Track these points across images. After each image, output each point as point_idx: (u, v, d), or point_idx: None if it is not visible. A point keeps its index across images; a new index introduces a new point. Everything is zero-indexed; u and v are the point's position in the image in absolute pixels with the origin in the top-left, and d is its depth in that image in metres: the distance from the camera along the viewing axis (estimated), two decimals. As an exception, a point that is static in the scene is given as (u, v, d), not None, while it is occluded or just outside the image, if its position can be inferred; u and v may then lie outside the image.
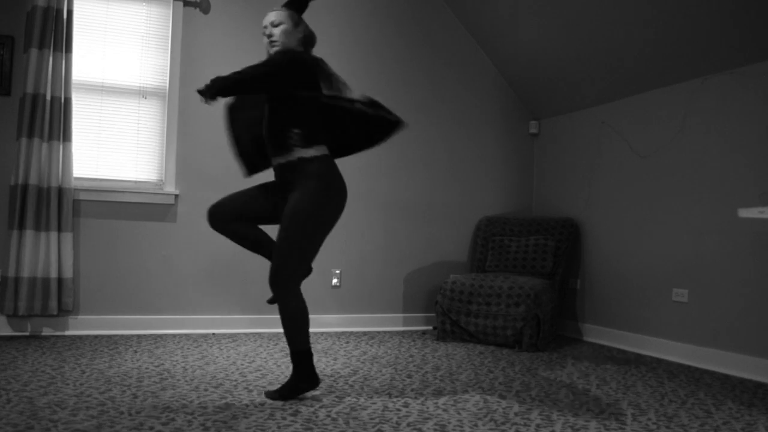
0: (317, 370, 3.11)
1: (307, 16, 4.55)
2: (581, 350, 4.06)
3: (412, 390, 2.78)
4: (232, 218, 2.59)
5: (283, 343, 3.84)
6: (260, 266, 4.39)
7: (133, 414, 2.23)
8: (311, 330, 4.47)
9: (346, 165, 4.65)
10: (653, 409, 2.60)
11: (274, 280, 2.47)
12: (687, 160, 3.84)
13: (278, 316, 4.54)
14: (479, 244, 4.89)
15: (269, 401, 2.49)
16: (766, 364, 3.28)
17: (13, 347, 3.40)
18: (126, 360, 3.17)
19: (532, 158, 5.32)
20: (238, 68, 2.53)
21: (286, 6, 2.67)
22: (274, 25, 2.60)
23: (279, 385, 2.71)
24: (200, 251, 4.25)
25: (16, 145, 3.77)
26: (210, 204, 2.65)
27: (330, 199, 2.53)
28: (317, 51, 4.60)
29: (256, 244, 2.64)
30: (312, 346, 3.81)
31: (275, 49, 2.58)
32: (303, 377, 2.54)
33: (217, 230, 2.61)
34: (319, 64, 2.61)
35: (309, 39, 2.72)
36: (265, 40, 2.61)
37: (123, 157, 4.15)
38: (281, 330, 4.35)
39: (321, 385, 2.81)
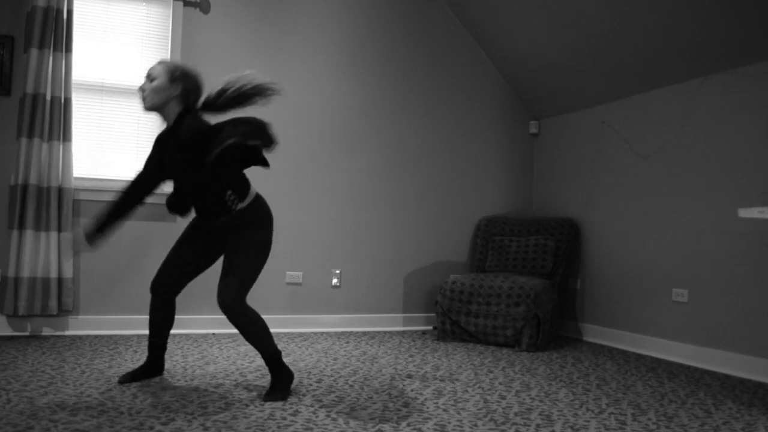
0: (317, 370, 3.12)
1: (306, 18, 4.57)
2: (581, 350, 4.06)
3: (412, 390, 2.78)
4: (175, 286, 2.70)
5: (284, 344, 3.84)
6: (260, 266, 4.39)
7: (133, 414, 2.23)
8: (314, 330, 4.48)
9: (346, 165, 4.67)
10: (653, 409, 2.60)
11: (232, 308, 2.46)
12: (687, 160, 3.84)
13: (280, 316, 4.55)
14: (479, 244, 4.89)
15: (269, 401, 2.49)
16: (766, 364, 3.28)
17: (13, 347, 3.40)
18: (126, 360, 3.17)
19: (532, 158, 5.32)
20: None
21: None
22: (150, 78, 2.51)
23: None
24: (200, 251, 4.24)
25: (16, 145, 3.77)
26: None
27: (270, 231, 2.62)
28: (321, 52, 4.62)
29: (163, 326, 2.78)
30: (312, 346, 3.82)
31: (143, 104, 2.52)
32: (282, 374, 2.59)
33: (155, 304, 2.73)
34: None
35: (190, 92, 2.55)
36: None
37: (123, 157, 4.15)
38: (282, 330, 4.35)
39: (321, 385, 2.81)
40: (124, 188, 2.64)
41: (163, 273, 2.68)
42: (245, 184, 2.56)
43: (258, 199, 2.60)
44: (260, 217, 2.57)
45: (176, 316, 4.16)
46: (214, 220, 2.57)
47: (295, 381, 2.85)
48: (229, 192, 2.48)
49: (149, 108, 2.51)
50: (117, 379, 2.75)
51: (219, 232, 2.63)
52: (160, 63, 2.55)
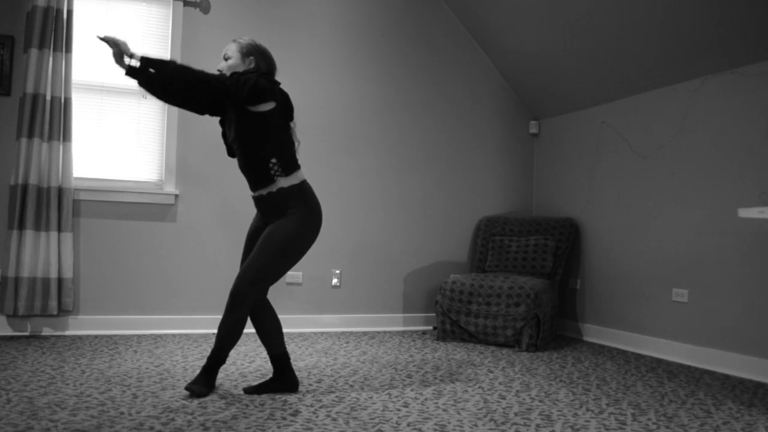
0: (317, 370, 3.12)
1: (306, 17, 4.57)
2: (581, 350, 4.06)
3: (412, 390, 2.78)
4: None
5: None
6: (260, 266, 4.39)
7: (133, 414, 2.23)
8: (311, 330, 4.48)
9: (346, 164, 4.67)
10: (653, 409, 2.60)
11: (233, 301, 2.49)
12: (687, 160, 3.84)
13: (280, 316, 4.55)
14: (479, 244, 4.89)
15: (269, 401, 2.49)
16: (766, 364, 3.28)
17: (13, 347, 3.40)
18: (126, 360, 3.17)
19: (532, 158, 5.32)
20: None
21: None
22: (225, 58, 2.62)
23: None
24: (200, 251, 4.25)
25: (16, 145, 3.77)
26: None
27: (311, 227, 2.58)
28: (321, 52, 4.62)
29: (269, 333, 2.69)
30: (312, 346, 3.82)
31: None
32: (208, 379, 2.57)
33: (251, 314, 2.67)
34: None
35: (262, 66, 2.64)
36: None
37: (123, 157, 4.15)
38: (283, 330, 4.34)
39: (321, 385, 2.81)
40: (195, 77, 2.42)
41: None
42: (292, 160, 2.58)
43: (305, 186, 2.59)
44: (301, 205, 2.54)
45: (176, 316, 4.16)
46: (260, 194, 2.57)
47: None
48: (274, 160, 2.52)
49: None
50: (243, 388, 2.65)
51: (266, 215, 2.61)
52: (234, 42, 2.63)
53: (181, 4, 4.23)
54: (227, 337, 2.55)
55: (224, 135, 2.72)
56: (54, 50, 3.81)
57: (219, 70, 2.60)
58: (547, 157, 5.16)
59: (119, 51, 2.33)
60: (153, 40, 4.22)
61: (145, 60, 2.35)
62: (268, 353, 2.66)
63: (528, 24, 4.52)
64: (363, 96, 4.75)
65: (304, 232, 2.55)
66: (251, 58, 2.61)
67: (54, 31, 3.81)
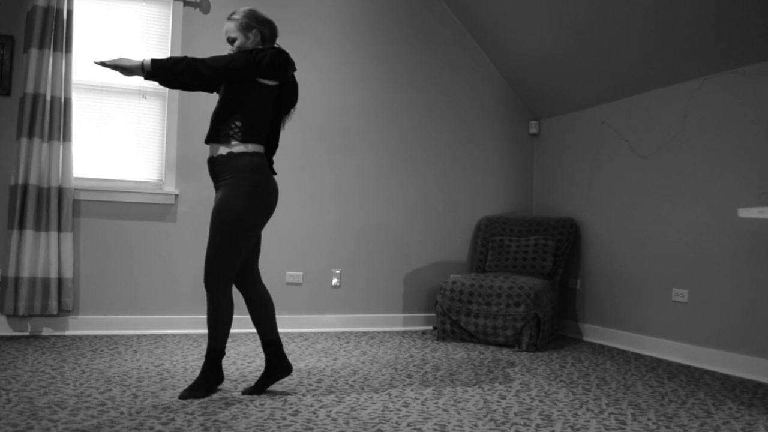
0: (317, 370, 3.11)
1: (306, 18, 4.57)
2: (581, 350, 4.06)
3: (412, 390, 2.78)
4: (246, 274, 2.65)
5: (284, 343, 3.84)
6: (260, 266, 4.39)
7: (133, 414, 2.23)
8: (314, 330, 4.47)
9: (346, 164, 4.67)
10: (653, 409, 2.60)
11: (206, 281, 2.50)
12: (687, 160, 3.84)
13: (280, 316, 4.53)
14: (479, 244, 4.89)
15: (269, 401, 2.49)
16: (766, 364, 3.28)
17: (13, 347, 3.40)
18: (126, 360, 3.17)
19: (532, 158, 5.32)
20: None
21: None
22: (230, 41, 2.63)
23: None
24: (200, 251, 4.25)
25: (16, 145, 3.77)
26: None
27: (256, 198, 2.50)
28: (320, 52, 4.62)
29: (261, 319, 2.67)
30: (312, 346, 3.81)
31: None
32: (209, 375, 2.57)
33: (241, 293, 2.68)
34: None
35: (266, 34, 2.70)
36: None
37: (123, 157, 4.15)
38: (282, 330, 4.35)
39: (321, 385, 2.81)
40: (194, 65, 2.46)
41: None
42: (257, 135, 2.53)
43: (256, 158, 2.51)
44: (248, 177, 2.46)
45: (176, 316, 4.16)
46: (211, 155, 2.55)
47: (295, 381, 2.85)
48: (239, 124, 2.50)
49: None
50: (241, 390, 2.63)
51: (214, 179, 2.57)
52: (229, 20, 2.62)
53: (181, 4, 4.23)
54: (213, 327, 2.54)
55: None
56: (54, 50, 3.81)
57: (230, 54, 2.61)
58: (547, 157, 5.16)
59: (123, 68, 2.39)
60: (153, 40, 4.22)
61: (156, 64, 2.40)
62: (261, 339, 2.65)
63: (528, 24, 4.52)
64: (363, 96, 4.74)
65: (250, 206, 2.48)
66: (254, 30, 2.63)
67: (54, 31, 3.81)
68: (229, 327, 2.58)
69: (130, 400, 2.41)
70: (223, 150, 2.51)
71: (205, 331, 4.19)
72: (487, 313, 4.08)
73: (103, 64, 2.38)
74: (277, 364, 2.64)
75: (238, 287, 2.66)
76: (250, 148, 2.51)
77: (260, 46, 2.64)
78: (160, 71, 2.42)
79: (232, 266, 2.50)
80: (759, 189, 3.39)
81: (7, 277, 3.71)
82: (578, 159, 4.79)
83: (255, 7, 2.73)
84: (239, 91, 2.53)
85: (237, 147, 2.49)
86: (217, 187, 2.57)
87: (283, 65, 2.55)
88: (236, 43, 2.61)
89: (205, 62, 2.46)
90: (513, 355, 3.76)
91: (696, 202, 3.76)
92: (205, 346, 3.66)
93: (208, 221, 4.26)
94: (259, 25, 2.65)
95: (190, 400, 2.45)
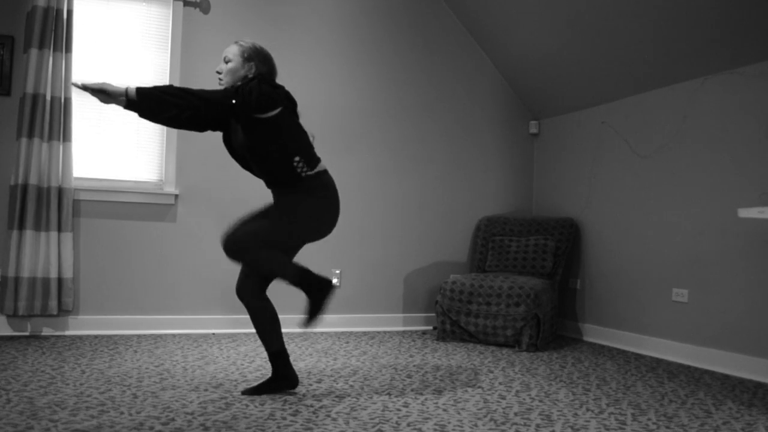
0: (317, 370, 3.11)
1: (306, 17, 4.57)
2: (581, 350, 4.06)
3: (412, 390, 2.78)
4: (260, 287, 2.64)
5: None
6: (260, 266, 4.39)
7: (133, 414, 2.23)
8: (311, 330, 4.47)
9: (346, 164, 4.66)
10: (653, 409, 2.60)
11: (229, 247, 2.46)
12: (687, 160, 3.84)
13: (279, 316, 4.55)
14: (479, 244, 4.89)
15: (269, 401, 2.49)
16: (766, 364, 3.28)
17: (13, 347, 3.40)
18: (126, 360, 3.17)
19: (532, 158, 5.32)
20: None
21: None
22: (225, 61, 2.58)
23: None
24: (200, 251, 4.25)
25: (16, 145, 3.77)
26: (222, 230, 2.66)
27: (323, 204, 2.56)
28: (320, 52, 4.62)
29: (267, 332, 2.64)
30: (312, 346, 3.81)
31: (221, 86, 2.56)
32: (281, 376, 2.61)
33: (245, 305, 2.65)
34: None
35: (263, 71, 2.62)
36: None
37: (123, 157, 4.15)
38: (282, 330, 4.34)
39: (321, 385, 2.81)
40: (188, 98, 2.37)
41: (245, 277, 2.62)
42: (313, 154, 2.57)
43: (326, 176, 2.59)
44: (321, 185, 2.54)
45: (176, 316, 4.17)
46: (286, 192, 2.55)
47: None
48: (297, 158, 2.50)
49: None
50: (241, 390, 2.63)
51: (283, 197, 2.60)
52: (235, 44, 2.60)
53: (181, 4, 4.23)
54: (259, 326, 2.58)
55: (230, 148, 2.67)
56: (54, 50, 3.81)
57: (218, 72, 2.58)
58: (547, 157, 5.16)
59: (106, 93, 2.30)
60: (153, 40, 4.22)
61: (141, 91, 2.32)
62: (267, 351, 2.65)
63: (528, 24, 4.52)
64: (363, 96, 4.74)
65: (320, 214, 2.55)
66: (252, 63, 2.58)
67: (54, 31, 3.81)
68: (274, 322, 2.61)
69: (130, 400, 2.41)
70: (295, 185, 2.54)
71: (205, 331, 4.19)
72: (487, 313, 4.08)
73: (85, 87, 2.29)
74: (283, 377, 2.63)
75: (247, 298, 2.63)
76: (318, 168, 2.57)
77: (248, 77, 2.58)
78: (144, 100, 2.31)
79: (266, 251, 2.53)
80: (759, 189, 3.39)
81: (7, 277, 3.72)
82: (578, 159, 4.79)
83: (263, 46, 2.68)
84: (267, 136, 2.48)
85: (307, 175, 2.54)
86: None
87: (272, 90, 2.47)
88: (230, 65, 2.55)
89: (197, 93, 2.35)
90: (513, 355, 3.76)
91: (696, 202, 3.76)
92: (205, 346, 3.66)
93: (208, 221, 4.26)
94: (259, 63, 2.60)
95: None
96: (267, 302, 2.63)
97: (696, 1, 3.40)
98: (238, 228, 2.51)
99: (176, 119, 2.44)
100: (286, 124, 2.52)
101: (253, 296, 2.60)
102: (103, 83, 2.32)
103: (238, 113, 2.41)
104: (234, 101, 2.37)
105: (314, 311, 2.54)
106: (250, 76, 2.57)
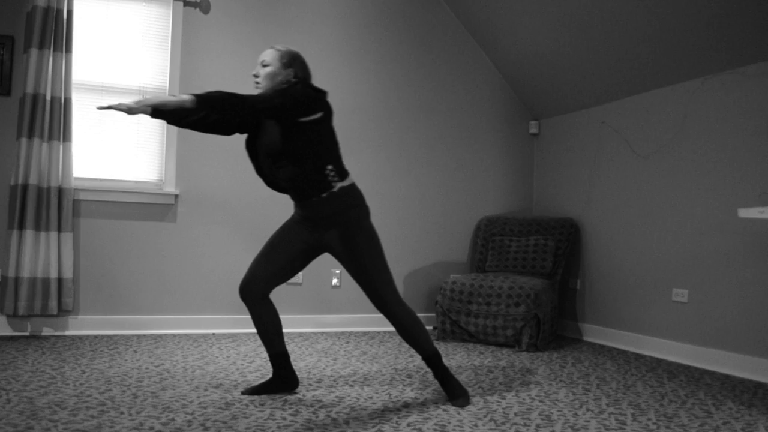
0: (317, 370, 3.11)
1: (305, 17, 4.57)
2: (581, 350, 4.06)
3: (412, 390, 2.78)
4: (265, 291, 2.58)
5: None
6: (260, 266, 4.39)
7: (133, 414, 2.23)
8: (314, 330, 4.47)
9: (346, 165, 4.66)
10: (653, 409, 2.60)
11: (392, 312, 2.51)
12: (687, 160, 3.84)
13: (280, 316, 4.55)
14: (479, 244, 4.89)
15: (269, 401, 2.49)
16: (766, 364, 3.28)
17: (13, 347, 3.40)
18: (126, 360, 3.17)
19: (532, 158, 5.32)
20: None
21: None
22: (263, 65, 2.55)
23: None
24: (200, 251, 4.25)
25: (16, 145, 3.77)
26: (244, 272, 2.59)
27: (369, 220, 2.57)
28: (320, 52, 4.62)
29: (268, 333, 2.63)
30: (312, 346, 3.81)
31: (258, 90, 2.54)
32: (449, 378, 2.62)
33: (251, 311, 2.61)
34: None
35: (300, 76, 2.59)
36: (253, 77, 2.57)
37: (123, 157, 4.15)
38: (283, 330, 4.34)
39: (321, 385, 2.81)
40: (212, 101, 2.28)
41: (252, 279, 2.56)
42: (342, 164, 2.54)
43: (357, 188, 2.57)
44: (359, 201, 2.52)
45: (176, 316, 4.17)
46: (314, 202, 2.49)
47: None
48: (330, 167, 2.47)
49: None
50: (241, 390, 2.62)
51: (317, 219, 2.52)
52: (272, 48, 2.58)
53: (181, 4, 4.23)
54: (415, 338, 2.56)
55: (253, 152, 2.62)
56: (54, 50, 3.81)
57: (255, 75, 2.54)
58: (547, 157, 5.16)
59: (129, 109, 2.28)
60: (153, 40, 4.22)
61: (201, 98, 2.23)
62: (268, 352, 2.65)
63: (528, 24, 4.52)
64: (363, 96, 4.75)
65: (373, 229, 2.56)
66: (291, 69, 2.55)
67: (54, 31, 3.81)
68: (425, 330, 2.59)
69: (130, 400, 2.41)
70: (324, 194, 2.48)
71: (205, 331, 4.19)
72: (487, 313, 4.08)
73: (109, 108, 2.29)
74: (284, 378, 2.62)
75: (251, 299, 2.57)
76: (347, 181, 2.53)
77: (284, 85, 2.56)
78: (203, 105, 2.22)
79: (393, 284, 2.56)
80: (759, 189, 3.39)
81: (7, 277, 3.72)
82: (578, 159, 4.79)
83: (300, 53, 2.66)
84: (307, 141, 2.44)
85: (341, 185, 2.49)
86: (324, 225, 2.52)
87: (316, 95, 2.46)
88: (269, 69, 2.52)
89: (243, 97, 2.29)
90: (513, 355, 3.76)
91: (696, 202, 3.76)
92: (205, 346, 3.66)
93: (208, 221, 4.27)
94: (298, 68, 2.57)
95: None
96: (270, 305, 2.61)
97: (696, 1, 3.40)
98: (373, 293, 2.50)
99: (202, 123, 2.49)
100: (324, 131, 2.47)
101: (256, 298, 2.57)
102: (127, 103, 2.28)
103: (285, 115, 2.37)
104: (283, 102, 2.34)
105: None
106: (292, 80, 2.55)
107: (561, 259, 4.54)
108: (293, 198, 2.56)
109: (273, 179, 2.58)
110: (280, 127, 2.45)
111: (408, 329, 2.53)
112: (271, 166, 2.55)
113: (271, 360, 2.63)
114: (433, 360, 2.58)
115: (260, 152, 2.58)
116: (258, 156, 2.60)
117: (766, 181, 3.36)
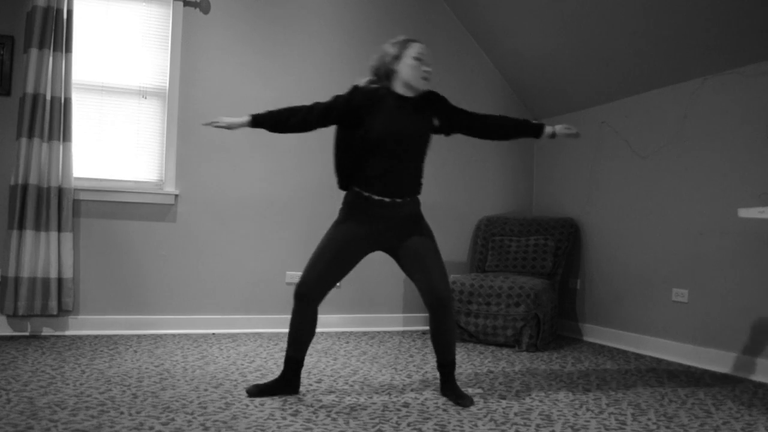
0: (317, 370, 3.11)
1: (306, 17, 4.57)
2: (581, 350, 4.06)
3: (412, 390, 2.78)
4: (322, 298, 2.62)
5: (284, 343, 3.83)
6: (260, 266, 4.39)
7: (133, 414, 2.23)
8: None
9: (346, 165, 4.65)
10: (653, 409, 2.60)
11: (451, 303, 2.63)
12: (687, 160, 3.84)
13: (280, 316, 4.53)
14: (479, 244, 4.89)
15: (269, 401, 2.49)
16: (766, 364, 3.28)
17: (13, 347, 3.40)
18: (126, 360, 3.17)
19: (532, 158, 5.32)
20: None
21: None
22: (426, 63, 2.77)
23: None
24: (200, 251, 4.25)
25: (16, 145, 3.77)
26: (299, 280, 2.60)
27: None
28: (320, 51, 4.62)
29: (302, 338, 2.66)
30: (312, 346, 3.81)
31: (428, 85, 2.79)
32: (453, 385, 2.70)
33: (304, 313, 2.61)
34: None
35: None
36: (423, 69, 2.71)
37: (123, 157, 4.15)
38: (282, 330, 4.35)
39: (321, 385, 2.81)
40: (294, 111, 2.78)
41: (318, 282, 2.56)
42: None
43: None
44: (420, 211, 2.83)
45: (176, 316, 4.17)
46: (407, 201, 2.73)
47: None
48: (421, 176, 2.79)
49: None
50: (245, 389, 2.62)
51: (395, 219, 2.69)
52: (423, 44, 2.76)
53: (181, 4, 4.23)
54: (454, 340, 2.69)
55: (344, 146, 2.77)
56: (54, 50, 3.81)
57: (430, 71, 2.73)
58: (547, 157, 5.16)
59: (233, 124, 2.59)
60: (153, 40, 4.22)
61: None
62: (289, 354, 2.63)
63: (528, 24, 4.52)
64: (363, 96, 4.74)
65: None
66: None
67: (54, 31, 3.81)
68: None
69: (130, 400, 2.41)
70: (415, 196, 2.79)
71: (205, 331, 4.19)
72: (487, 313, 4.08)
73: (212, 124, 2.61)
74: (288, 383, 2.63)
75: (307, 302, 2.57)
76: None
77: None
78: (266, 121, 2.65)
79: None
80: (759, 189, 3.39)
81: (7, 277, 3.72)
82: (578, 159, 4.79)
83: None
84: (428, 144, 2.76)
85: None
86: (400, 225, 2.70)
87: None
88: (431, 67, 2.81)
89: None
90: (513, 355, 3.76)
91: (696, 202, 3.76)
92: (205, 346, 3.67)
93: (208, 221, 4.27)
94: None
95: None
96: (317, 312, 2.63)
97: (696, 1, 3.40)
98: (438, 279, 2.61)
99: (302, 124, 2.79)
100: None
101: (314, 303, 2.58)
102: (229, 120, 2.60)
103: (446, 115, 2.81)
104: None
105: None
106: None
107: (561, 259, 4.54)
108: (390, 195, 2.66)
109: (383, 172, 2.63)
110: (424, 123, 2.69)
111: (452, 329, 2.65)
112: (390, 159, 2.64)
113: (288, 362, 2.62)
114: (452, 366, 2.67)
115: (387, 142, 2.61)
116: (350, 149, 2.70)
117: (766, 181, 3.36)
